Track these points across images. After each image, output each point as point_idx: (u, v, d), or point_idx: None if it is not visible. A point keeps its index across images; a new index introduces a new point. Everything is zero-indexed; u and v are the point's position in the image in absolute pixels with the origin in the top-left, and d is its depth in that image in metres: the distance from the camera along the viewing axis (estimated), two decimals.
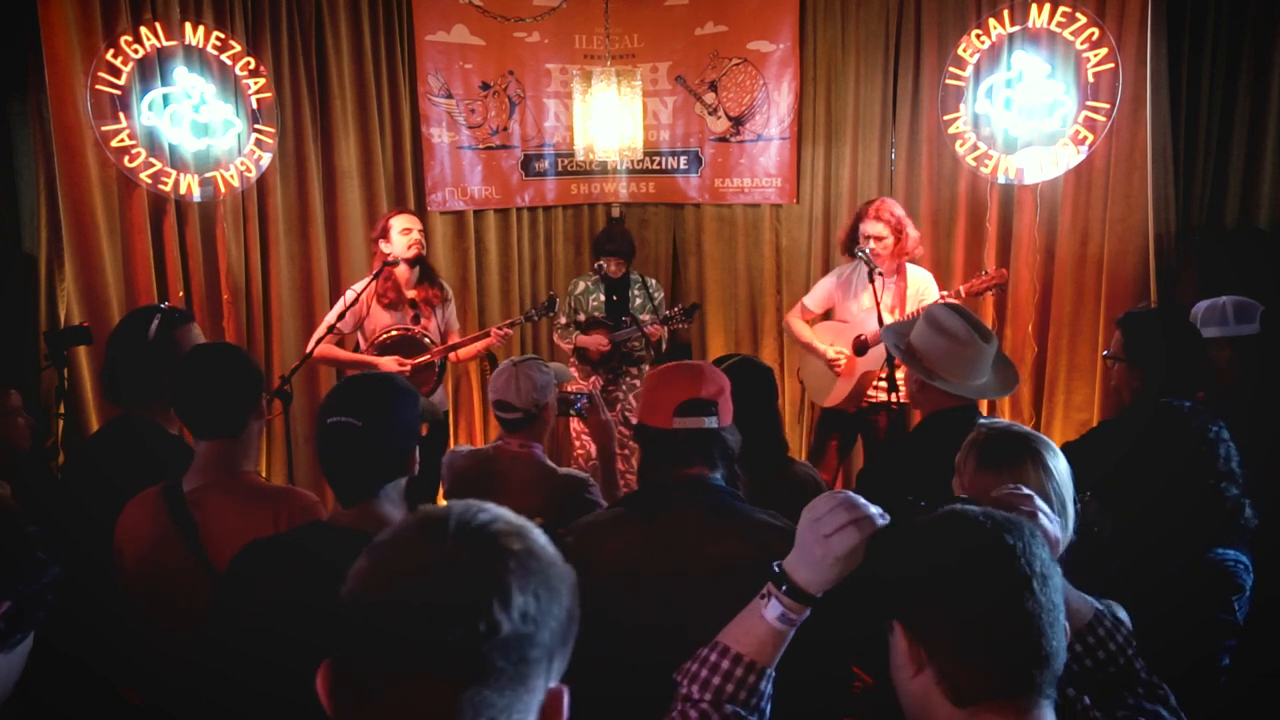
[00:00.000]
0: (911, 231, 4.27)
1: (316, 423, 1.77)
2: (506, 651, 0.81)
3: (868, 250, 4.14)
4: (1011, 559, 1.10)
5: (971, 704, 1.10)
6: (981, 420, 1.86)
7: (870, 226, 4.20)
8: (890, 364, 3.66)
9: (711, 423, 1.87)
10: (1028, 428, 1.83)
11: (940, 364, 2.48)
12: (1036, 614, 1.09)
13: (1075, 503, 1.71)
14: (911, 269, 4.35)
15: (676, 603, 1.79)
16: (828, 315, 4.59)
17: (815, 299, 4.54)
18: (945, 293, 4.25)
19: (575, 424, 4.90)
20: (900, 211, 4.28)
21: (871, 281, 4.00)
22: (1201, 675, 1.93)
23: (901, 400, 4.16)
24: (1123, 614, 1.69)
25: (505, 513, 0.89)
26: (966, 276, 5.11)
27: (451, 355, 4.38)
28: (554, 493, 2.70)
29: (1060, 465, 1.71)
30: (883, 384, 4.27)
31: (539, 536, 0.88)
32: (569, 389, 4.74)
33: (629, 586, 1.82)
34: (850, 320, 4.42)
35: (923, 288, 4.33)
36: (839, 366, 4.35)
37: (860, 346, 4.33)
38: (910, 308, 4.23)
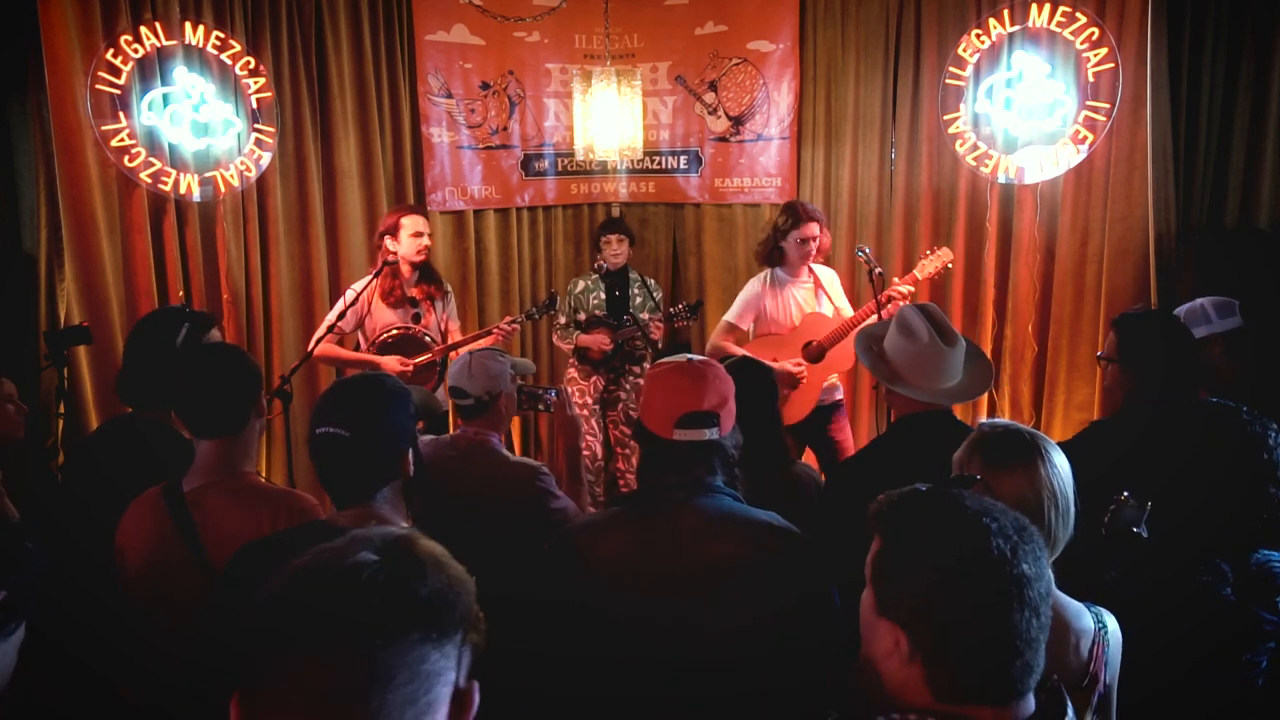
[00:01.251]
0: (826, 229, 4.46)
1: (309, 429, 1.77)
2: (425, 618, 0.87)
3: (867, 251, 4.20)
4: (1014, 567, 1.12)
5: (953, 703, 1.14)
6: (983, 421, 1.86)
7: (810, 229, 4.27)
8: None
9: (712, 434, 1.86)
10: (1026, 426, 1.84)
11: (904, 368, 2.45)
12: (1027, 624, 1.12)
13: (1076, 502, 1.72)
14: (817, 266, 4.43)
15: (676, 602, 1.79)
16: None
17: (741, 313, 4.42)
18: (896, 280, 4.32)
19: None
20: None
21: (872, 281, 4.03)
22: (1241, 676, 1.93)
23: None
24: (1111, 622, 1.69)
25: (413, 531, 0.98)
26: (967, 277, 5.13)
27: (453, 354, 4.38)
28: (506, 480, 2.70)
29: (1063, 462, 1.72)
30: (831, 383, 4.37)
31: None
32: (566, 383, 4.75)
33: (628, 586, 1.82)
34: (784, 331, 4.36)
35: (834, 284, 4.45)
36: (803, 377, 4.26)
37: (816, 353, 4.29)
38: (838, 301, 4.38)
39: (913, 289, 4.31)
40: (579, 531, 1.97)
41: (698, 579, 1.80)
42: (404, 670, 0.85)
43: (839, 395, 4.49)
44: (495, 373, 2.77)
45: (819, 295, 4.41)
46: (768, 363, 4.15)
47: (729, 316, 4.45)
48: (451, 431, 3.09)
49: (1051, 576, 1.16)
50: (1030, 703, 1.15)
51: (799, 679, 1.77)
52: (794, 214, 4.31)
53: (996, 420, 1.84)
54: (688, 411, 1.84)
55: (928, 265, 4.32)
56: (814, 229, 4.28)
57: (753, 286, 4.46)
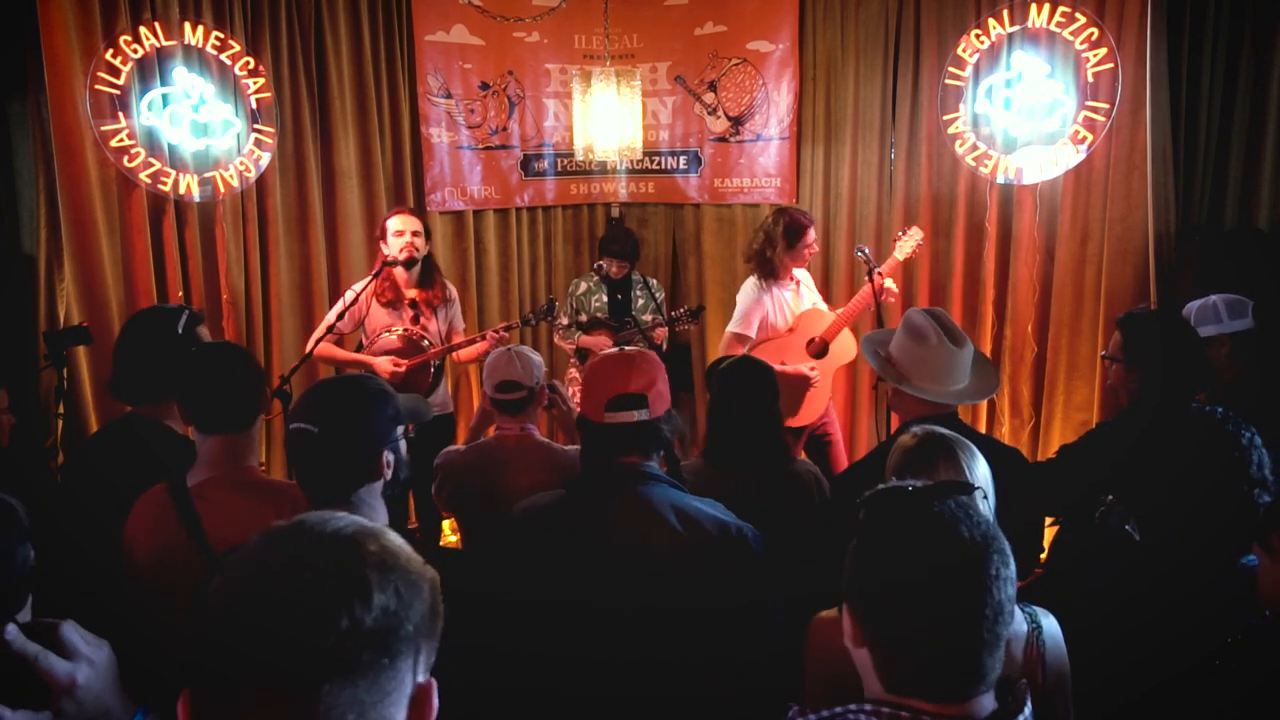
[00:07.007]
0: None
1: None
2: (372, 645, 0.82)
3: (866, 251, 4.24)
4: (975, 578, 1.13)
5: (899, 695, 1.16)
6: (915, 429, 1.88)
7: (812, 234, 4.43)
8: None
9: (642, 415, 1.91)
10: (945, 430, 1.88)
11: (912, 369, 2.47)
12: (985, 638, 1.13)
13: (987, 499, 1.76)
14: (798, 270, 4.53)
15: (612, 587, 1.82)
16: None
17: (751, 325, 4.39)
18: (881, 271, 4.25)
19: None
20: None
21: (872, 281, 4.06)
22: (1238, 678, 1.92)
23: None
24: (1047, 621, 1.69)
25: (358, 519, 0.90)
26: (967, 277, 5.13)
27: (452, 355, 4.38)
28: (565, 468, 2.78)
29: (981, 462, 1.77)
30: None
31: (395, 538, 0.90)
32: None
33: (564, 571, 1.85)
34: (781, 334, 4.41)
35: (810, 283, 4.62)
36: (817, 380, 4.34)
37: (819, 348, 4.43)
38: (817, 299, 4.52)
39: (891, 278, 4.34)
40: (522, 514, 1.99)
41: (633, 564, 1.83)
42: (356, 706, 0.81)
43: None
44: (537, 363, 2.94)
45: (799, 295, 4.52)
46: (778, 367, 4.17)
47: (735, 328, 4.40)
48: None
49: (1012, 588, 1.16)
50: (986, 702, 1.16)
51: (737, 676, 1.80)
52: (798, 226, 4.36)
53: (916, 429, 1.88)
54: (616, 394, 1.90)
55: (904, 246, 4.41)
56: (813, 233, 4.44)
57: (751, 293, 4.44)
